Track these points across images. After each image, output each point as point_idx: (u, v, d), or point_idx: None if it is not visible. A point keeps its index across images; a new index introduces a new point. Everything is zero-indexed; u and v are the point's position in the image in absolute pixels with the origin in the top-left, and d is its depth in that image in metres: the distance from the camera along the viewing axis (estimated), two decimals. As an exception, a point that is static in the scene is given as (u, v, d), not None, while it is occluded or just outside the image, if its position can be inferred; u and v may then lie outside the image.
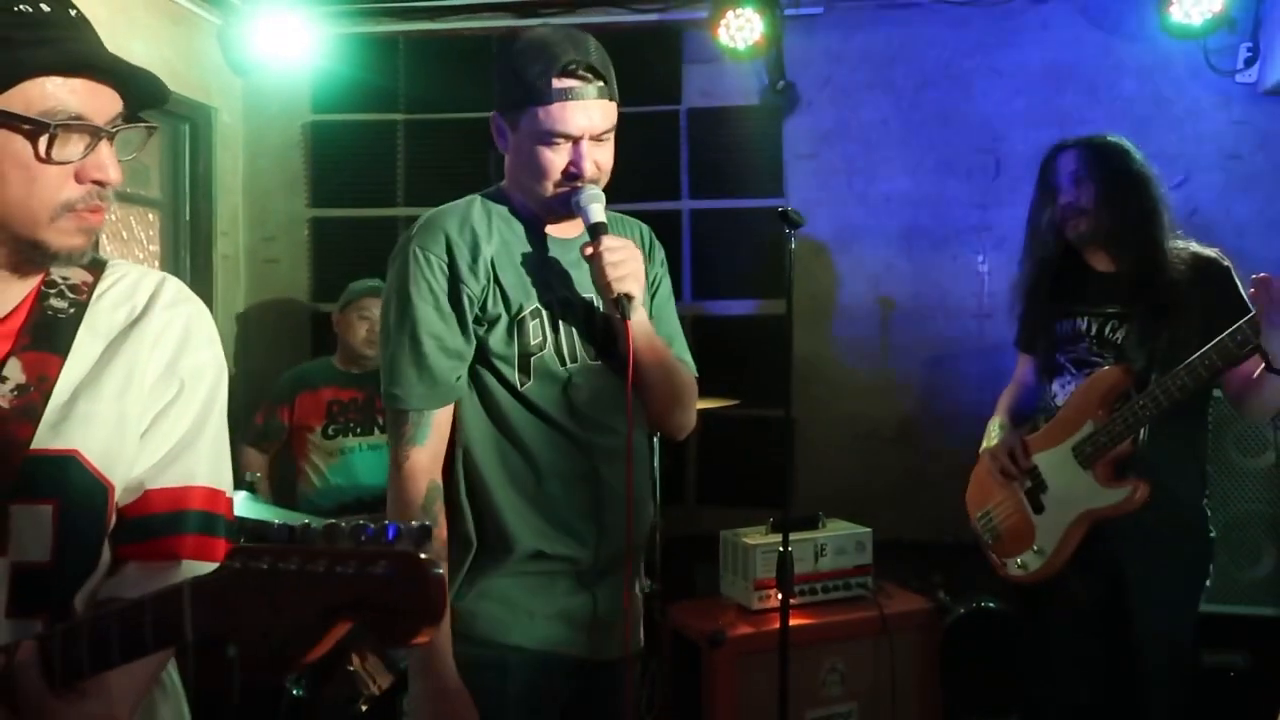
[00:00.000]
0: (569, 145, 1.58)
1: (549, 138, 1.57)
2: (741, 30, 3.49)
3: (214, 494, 1.20)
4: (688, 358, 1.83)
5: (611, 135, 1.62)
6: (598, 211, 1.63)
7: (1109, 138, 2.37)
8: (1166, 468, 2.23)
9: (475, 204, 1.69)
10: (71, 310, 1.15)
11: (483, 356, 1.63)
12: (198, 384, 1.20)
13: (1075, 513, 2.29)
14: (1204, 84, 3.51)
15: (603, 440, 1.67)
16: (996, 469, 2.42)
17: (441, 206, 1.68)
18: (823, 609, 2.90)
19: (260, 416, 3.44)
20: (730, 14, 3.47)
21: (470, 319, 1.61)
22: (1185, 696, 2.29)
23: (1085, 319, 2.34)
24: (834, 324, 3.80)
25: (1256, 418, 2.58)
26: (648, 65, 3.74)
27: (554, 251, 1.69)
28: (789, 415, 2.43)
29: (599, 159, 1.61)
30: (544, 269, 1.67)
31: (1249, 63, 3.45)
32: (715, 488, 3.82)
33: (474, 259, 1.61)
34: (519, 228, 1.68)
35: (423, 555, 0.79)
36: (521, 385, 1.63)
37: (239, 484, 2.70)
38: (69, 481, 1.09)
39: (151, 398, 1.16)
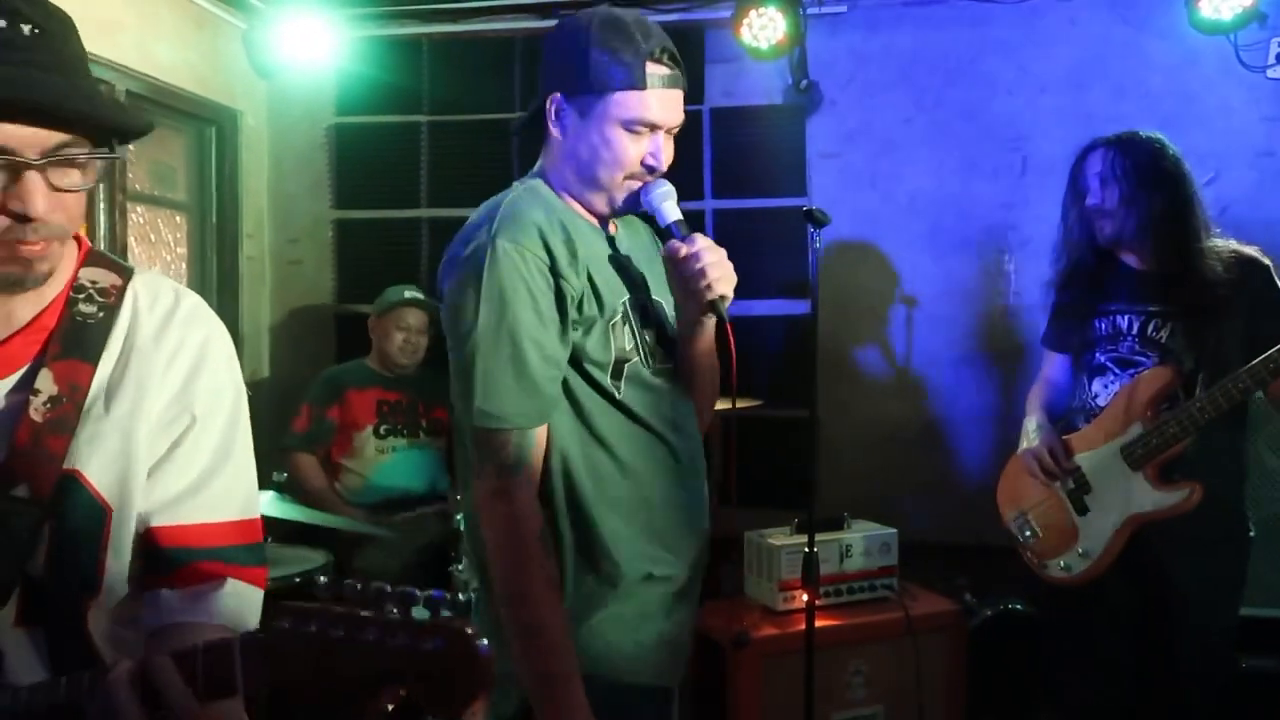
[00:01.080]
0: (650, 135, 1.49)
1: (634, 125, 1.47)
2: (764, 29, 3.48)
3: (245, 526, 1.19)
4: None
5: None
6: (673, 209, 1.54)
7: (1140, 135, 2.32)
8: (1209, 469, 2.20)
9: (540, 192, 1.54)
10: (101, 315, 1.14)
11: (576, 362, 1.48)
12: (215, 412, 1.17)
13: (1124, 515, 2.26)
14: (1234, 80, 3.46)
15: (686, 447, 1.59)
16: (1038, 469, 2.38)
17: (504, 202, 1.51)
18: (847, 610, 2.88)
19: (305, 420, 3.41)
20: (753, 13, 3.46)
21: (569, 322, 1.46)
22: (1224, 699, 2.26)
23: (1126, 317, 2.31)
24: (858, 324, 3.78)
25: None
26: (670, 65, 3.74)
27: (623, 249, 1.60)
28: (814, 416, 2.41)
29: (668, 153, 1.54)
30: (625, 268, 1.57)
31: (1280, 58, 3.40)
32: (739, 488, 3.82)
33: (572, 255, 1.46)
34: (581, 222, 1.55)
35: (469, 630, 0.80)
36: (619, 393, 1.51)
37: (266, 484, 2.72)
38: (66, 499, 1.08)
39: (161, 423, 1.14)
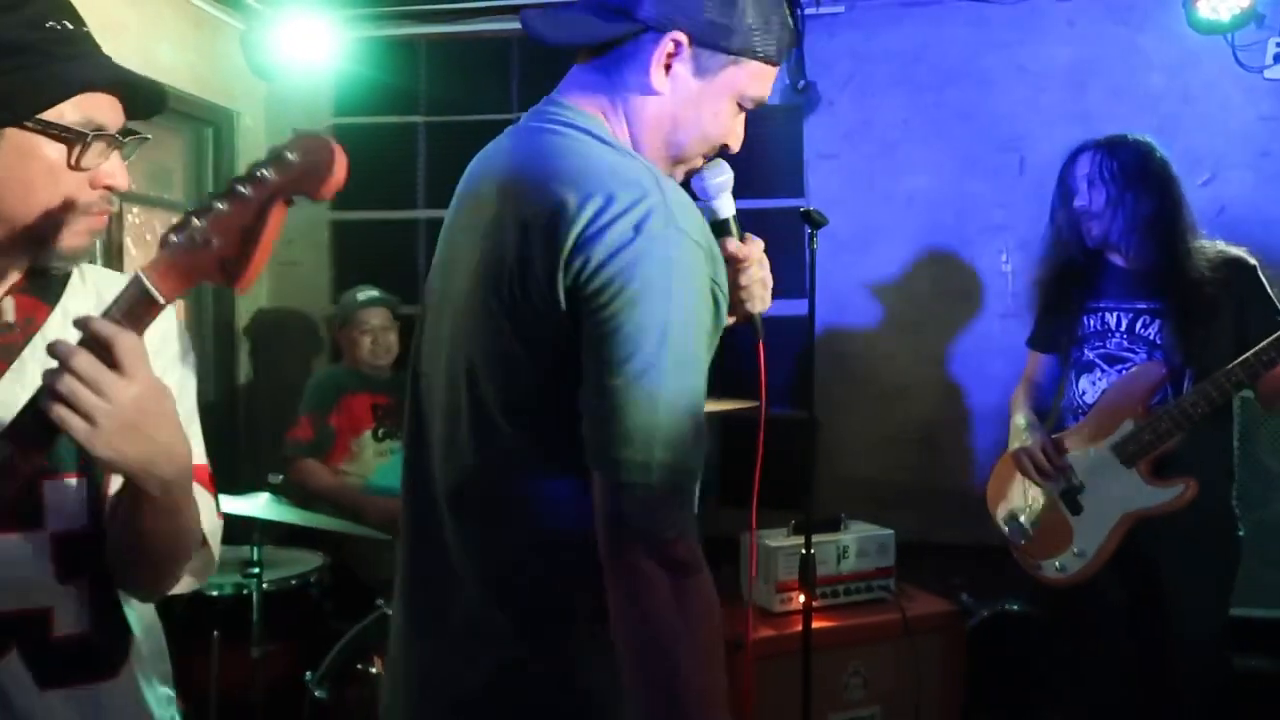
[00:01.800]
0: (742, 116, 1.27)
1: (748, 101, 1.24)
2: (762, 30, 3.47)
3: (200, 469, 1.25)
4: None
5: None
6: (729, 201, 1.34)
7: (1129, 138, 2.34)
8: (1199, 465, 2.21)
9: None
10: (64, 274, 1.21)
11: None
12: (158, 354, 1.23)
13: (1119, 513, 2.27)
14: (1232, 80, 3.46)
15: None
16: (1031, 468, 2.38)
17: (638, 165, 1.13)
18: (844, 612, 2.88)
19: (309, 430, 3.39)
20: (750, 14, 3.46)
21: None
22: (1218, 699, 2.26)
23: (1115, 313, 2.32)
24: (855, 325, 3.78)
25: None
26: (668, 66, 3.73)
27: None
28: (812, 416, 2.41)
29: None
30: None
31: (1278, 59, 3.40)
32: (736, 489, 3.81)
33: (716, 254, 1.15)
34: None
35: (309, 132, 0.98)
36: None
37: (261, 486, 2.71)
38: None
39: None
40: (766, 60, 1.21)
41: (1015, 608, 3.11)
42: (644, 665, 1.05)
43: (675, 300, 1.05)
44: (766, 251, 1.38)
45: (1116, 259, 2.36)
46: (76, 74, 1.09)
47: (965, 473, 3.70)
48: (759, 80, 1.22)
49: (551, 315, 1.08)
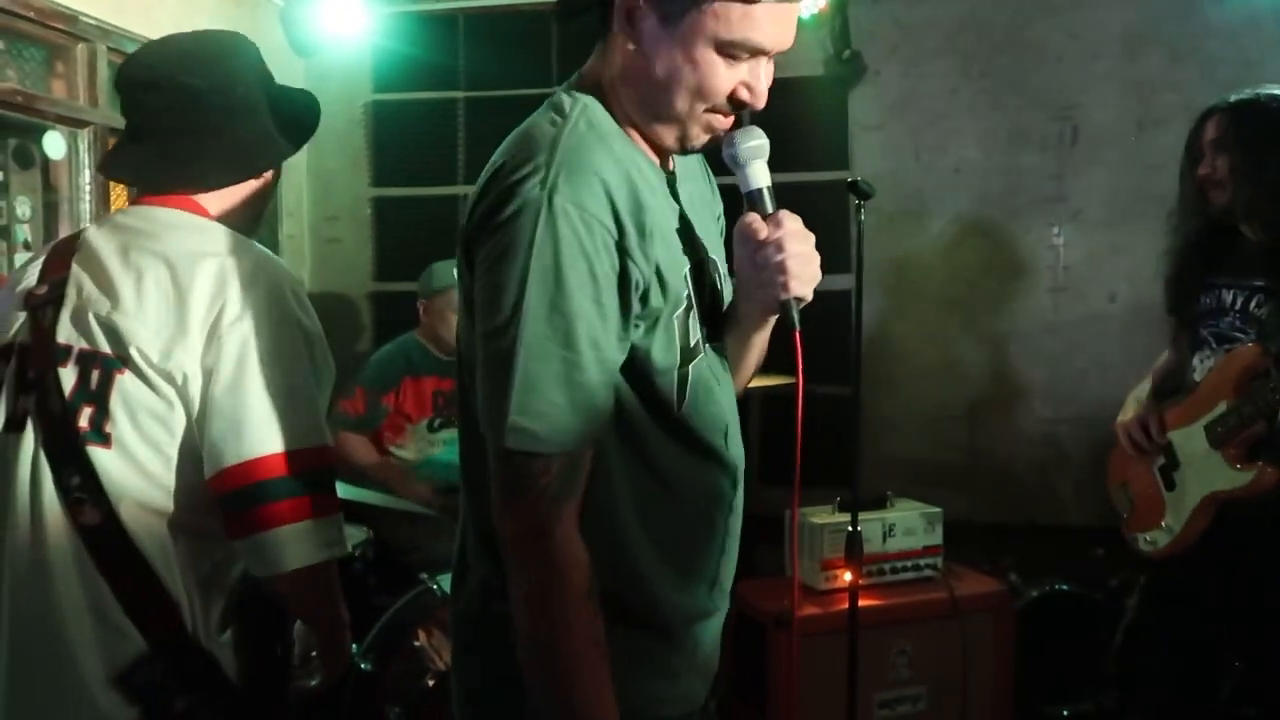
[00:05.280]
0: (748, 62, 1.15)
1: (734, 48, 1.12)
2: (806, -2, 3.41)
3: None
4: None
5: None
6: (762, 170, 1.22)
7: (1261, 96, 2.15)
8: None
9: (602, 125, 1.18)
10: None
11: (633, 371, 1.16)
12: None
13: (1203, 493, 2.22)
14: (1296, 43, 3.34)
15: (739, 454, 1.29)
16: (1128, 442, 2.35)
17: (563, 131, 1.15)
18: (891, 590, 2.84)
19: (360, 404, 3.31)
20: (794, -18, 3.39)
21: (631, 318, 1.13)
22: None
23: (1231, 291, 2.22)
24: (901, 300, 3.71)
25: None
26: (709, 37, 3.68)
27: (683, 194, 1.27)
28: (857, 393, 2.37)
29: (767, 84, 1.19)
30: (685, 229, 1.24)
31: (1345, 20, 3.27)
32: (779, 467, 3.77)
33: (641, 226, 1.12)
34: (643, 162, 1.20)
35: None
36: (679, 406, 1.19)
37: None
38: None
39: None
40: None
41: (1065, 588, 3.05)
42: (519, 618, 1.14)
43: (535, 268, 1.06)
44: (808, 226, 1.25)
45: (1247, 231, 2.22)
46: None
47: (1014, 451, 3.64)
48: (736, 21, 1.10)
49: (468, 285, 1.18)
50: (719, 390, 1.27)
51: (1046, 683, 3.04)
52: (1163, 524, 2.30)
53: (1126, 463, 2.44)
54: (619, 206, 1.10)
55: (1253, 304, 2.18)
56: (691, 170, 1.34)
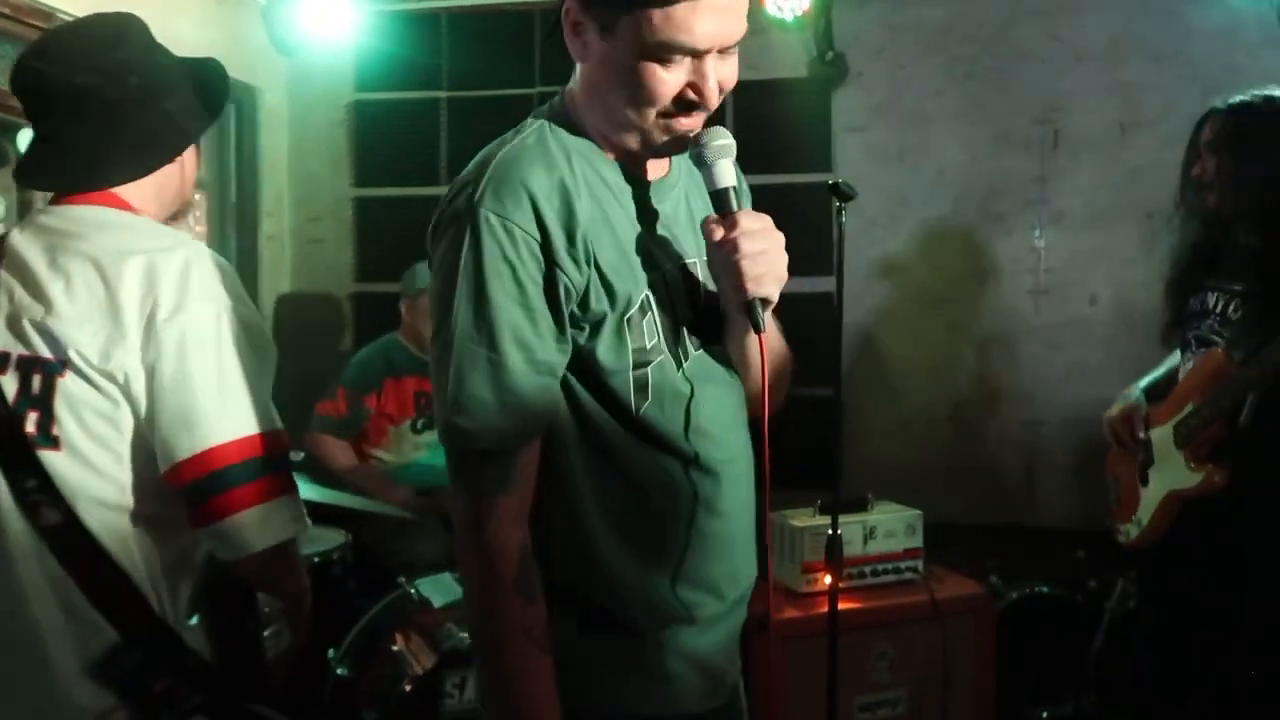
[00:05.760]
0: (689, 61, 1.14)
1: (665, 51, 1.12)
2: (790, 0, 3.40)
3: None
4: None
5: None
6: (727, 170, 1.21)
7: (1257, 99, 2.13)
8: (1255, 454, 2.13)
9: (549, 139, 1.22)
10: None
11: (583, 372, 1.20)
12: None
13: (1164, 491, 2.25)
14: (1278, 47, 3.34)
15: (729, 469, 1.31)
16: (1110, 437, 2.40)
17: (506, 147, 1.21)
18: (871, 593, 2.84)
19: (342, 405, 3.30)
20: (778, -17, 3.39)
21: (567, 319, 1.18)
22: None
23: (1214, 294, 2.22)
24: (883, 302, 3.71)
25: None
26: (693, 38, 3.67)
27: (671, 196, 1.30)
28: (839, 395, 2.36)
29: (724, 77, 1.16)
30: (648, 236, 1.25)
31: (1326, 24, 3.28)
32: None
33: (571, 233, 1.16)
34: (607, 171, 1.24)
35: None
36: (639, 408, 1.22)
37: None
38: None
39: None
40: (648, 3, 1.10)
41: (1045, 590, 3.06)
42: (466, 604, 1.25)
43: (462, 274, 1.15)
44: (791, 228, 1.25)
45: (1240, 234, 2.21)
46: None
47: (994, 453, 3.64)
48: (660, 25, 1.10)
49: None
50: (704, 391, 1.28)
51: (1027, 685, 3.05)
52: (1134, 517, 2.35)
53: (1120, 457, 2.47)
54: (544, 215, 1.15)
55: (1230, 308, 2.19)
56: (699, 177, 1.32)
